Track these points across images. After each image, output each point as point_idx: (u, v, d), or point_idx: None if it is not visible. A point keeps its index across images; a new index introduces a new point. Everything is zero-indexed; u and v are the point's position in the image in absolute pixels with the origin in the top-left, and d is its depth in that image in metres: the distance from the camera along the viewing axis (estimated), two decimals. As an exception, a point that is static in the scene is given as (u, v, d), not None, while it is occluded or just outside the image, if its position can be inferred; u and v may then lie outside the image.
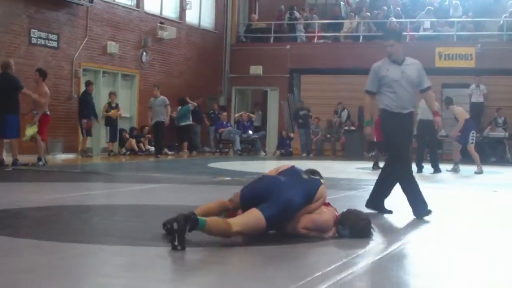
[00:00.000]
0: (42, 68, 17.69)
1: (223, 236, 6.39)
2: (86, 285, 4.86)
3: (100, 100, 23.34)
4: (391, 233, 7.34)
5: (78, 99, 22.11)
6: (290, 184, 6.79)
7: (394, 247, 6.62)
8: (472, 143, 18.19)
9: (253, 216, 6.49)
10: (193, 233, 6.13)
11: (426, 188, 14.08)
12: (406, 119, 9.04)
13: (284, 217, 6.65)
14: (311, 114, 27.78)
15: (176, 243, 5.94)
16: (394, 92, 9.02)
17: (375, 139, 15.87)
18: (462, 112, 18.56)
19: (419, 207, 8.77)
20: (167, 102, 23.32)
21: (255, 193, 6.83)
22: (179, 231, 5.94)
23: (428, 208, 8.75)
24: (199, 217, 6.19)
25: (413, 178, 9.06)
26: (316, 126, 27.98)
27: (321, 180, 7.09)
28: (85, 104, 21.68)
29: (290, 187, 6.74)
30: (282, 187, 6.72)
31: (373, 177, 16.11)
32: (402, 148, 8.99)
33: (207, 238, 6.47)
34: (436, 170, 17.83)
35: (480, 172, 17.81)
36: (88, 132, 21.79)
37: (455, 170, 18.35)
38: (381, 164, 18.20)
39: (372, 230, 6.89)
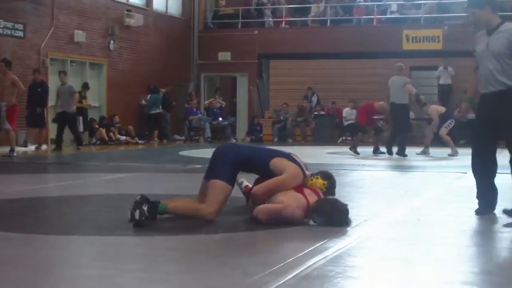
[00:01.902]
0: (7, 58, 17.66)
1: (196, 217, 6.79)
2: (58, 276, 4.85)
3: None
4: (365, 218, 7.35)
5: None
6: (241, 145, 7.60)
7: (367, 231, 6.65)
8: (446, 128, 18.27)
9: (219, 188, 6.80)
10: (164, 221, 6.14)
11: (399, 172, 14.21)
12: (487, 101, 7.52)
13: (236, 168, 6.98)
14: None
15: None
16: (479, 68, 7.55)
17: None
18: (436, 110, 18.69)
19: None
20: (74, 89, 20.54)
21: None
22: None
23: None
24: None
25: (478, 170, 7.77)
26: (285, 112, 27.93)
27: (315, 176, 7.24)
28: (29, 93, 19.89)
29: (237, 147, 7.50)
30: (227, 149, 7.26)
31: (343, 161, 16.24)
32: (475, 137, 7.79)
33: (177, 225, 6.49)
34: (402, 154, 17.55)
35: (454, 154, 17.90)
36: (31, 123, 20.23)
37: (425, 153, 18.43)
38: (359, 149, 18.37)
39: (348, 220, 6.73)
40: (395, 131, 18.09)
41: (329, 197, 7.01)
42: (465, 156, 17.53)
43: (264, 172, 7.01)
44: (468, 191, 10.26)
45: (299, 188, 6.91)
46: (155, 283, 4.65)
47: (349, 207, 6.80)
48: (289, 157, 7.09)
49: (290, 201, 6.72)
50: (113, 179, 11.92)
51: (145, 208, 6.54)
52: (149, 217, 6.57)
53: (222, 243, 6.22)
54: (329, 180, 7.28)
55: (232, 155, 6.97)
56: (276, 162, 6.95)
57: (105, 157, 18.54)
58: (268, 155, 7.08)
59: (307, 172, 7.13)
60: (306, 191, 6.89)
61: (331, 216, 6.67)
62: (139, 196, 6.65)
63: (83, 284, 4.65)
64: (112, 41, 25.39)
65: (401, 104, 17.53)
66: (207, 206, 6.77)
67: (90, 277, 4.81)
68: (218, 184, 6.83)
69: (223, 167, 6.89)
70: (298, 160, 7.12)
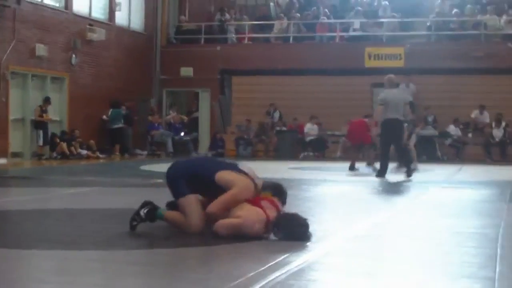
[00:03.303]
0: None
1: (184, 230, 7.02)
2: (17, 290, 4.80)
3: (30, 104, 23.07)
4: (327, 233, 7.36)
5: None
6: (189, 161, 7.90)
7: (329, 245, 6.65)
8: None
9: (185, 204, 6.99)
10: (125, 235, 6.10)
11: (361, 188, 14.25)
12: None
13: (189, 182, 7.05)
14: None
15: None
16: None
17: None
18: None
19: None
20: None
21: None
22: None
23: None
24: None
25: None
26: (247, 128, 27.93)
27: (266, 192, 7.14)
28: None
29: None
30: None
31: (305, 176, 16.26)
32: None
33: (138, 240, 6.43)
34: (409, 174, 15.65)
35: (414, 168, 17.95)
36: None
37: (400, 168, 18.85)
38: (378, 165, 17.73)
39: (309, 236, 6.72)
40: (401, 149, 16.34)
41: (290, 212, 6.99)
42: (424, 172, 17.88)
43: (211, 187, 6.97)
44: (430, 206, 10.36)
45: (256, 201, 6.87)
46: (115, 297, 4.61)
47: (310, 221, 6.80)
48: (235, 168, 7.08)
49: (247, 215, 6.70)
50: (74, 194, 11.83)
51: (144, 211, 7.07)
52: (145, 220, 7.07)
53: (183, 258, 6.18)
54: (281, 196, 7.23)
55: (182, 175, 7.09)
56: (222, 176, 6.95)
57: (66, 171, 18.40)
58: (212, 168, 7.05)
59: (257, 181, 7.11)
60: (264, 203, 6.85)
61: (292, 231, 6.67)
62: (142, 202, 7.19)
63: (42, 298, 4.60)
64: (74, 55, 25.22)
65: (404, 121, 15.89)
66: (187, 221, 6.98)
67: (49, 291, 4.76)
68: (183, 202, 7.00)
69: (179, 186, 7.04)
70: (245, 170, 7.12)
